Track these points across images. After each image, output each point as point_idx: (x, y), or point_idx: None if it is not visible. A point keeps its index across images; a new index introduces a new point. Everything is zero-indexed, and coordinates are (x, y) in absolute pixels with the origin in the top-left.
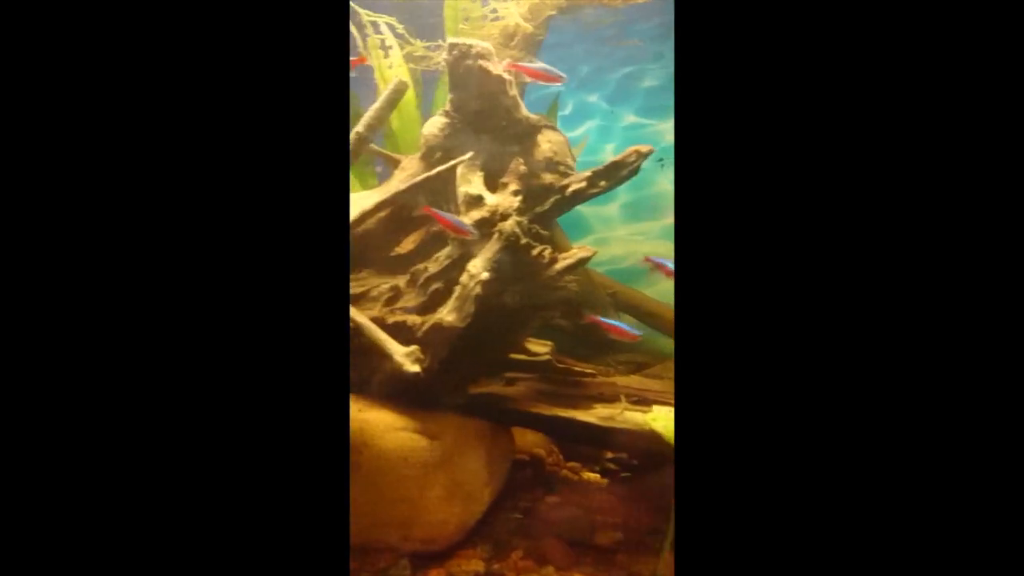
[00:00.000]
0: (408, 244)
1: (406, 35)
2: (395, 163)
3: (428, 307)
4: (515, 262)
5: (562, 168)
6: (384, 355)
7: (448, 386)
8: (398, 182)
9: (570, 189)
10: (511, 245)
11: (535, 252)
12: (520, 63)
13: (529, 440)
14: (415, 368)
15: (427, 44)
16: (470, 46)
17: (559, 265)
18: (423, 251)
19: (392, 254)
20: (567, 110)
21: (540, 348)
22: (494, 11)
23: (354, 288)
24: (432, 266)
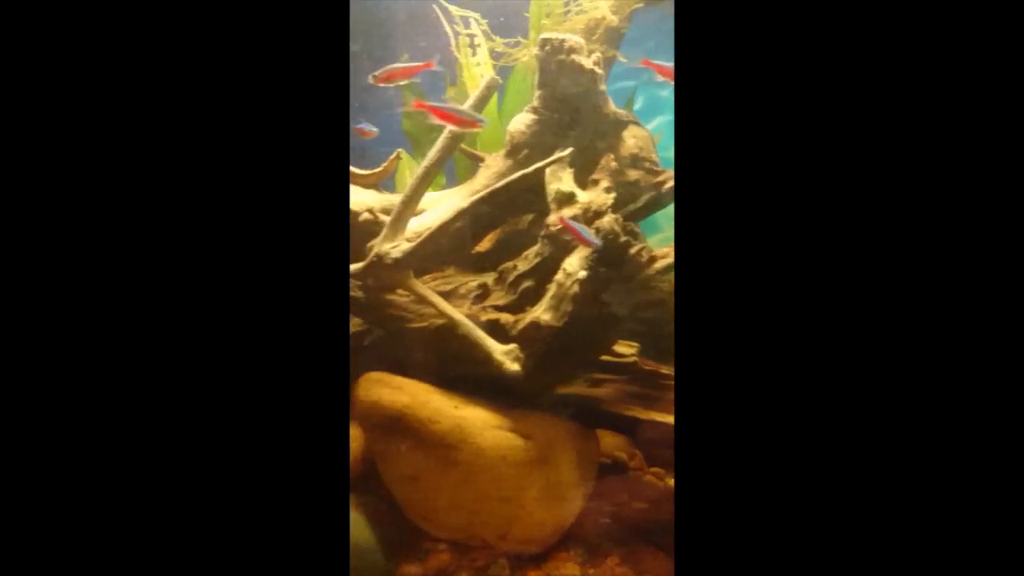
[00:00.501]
0: (486, 243)
1: (488, 31)
2: (479, 161)
3: (518, 306)
4: (612, 261)
5: (647, 165)
6: (482, 353)
7: (540, 386)
8: (484, 180)
9: (666, 186)
10: (609, 243)
11: (633, 251)
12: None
13: (608, 443)
14: (515, 367)
15: (507, 40)
16: (562, 40)
17: (657, 264)
18: (502, 249)
19: (473, 252)
20: (638, 105)
21: (626, 349)
22: (578, 4)
23: (441, 286)
24: (522, 264)
